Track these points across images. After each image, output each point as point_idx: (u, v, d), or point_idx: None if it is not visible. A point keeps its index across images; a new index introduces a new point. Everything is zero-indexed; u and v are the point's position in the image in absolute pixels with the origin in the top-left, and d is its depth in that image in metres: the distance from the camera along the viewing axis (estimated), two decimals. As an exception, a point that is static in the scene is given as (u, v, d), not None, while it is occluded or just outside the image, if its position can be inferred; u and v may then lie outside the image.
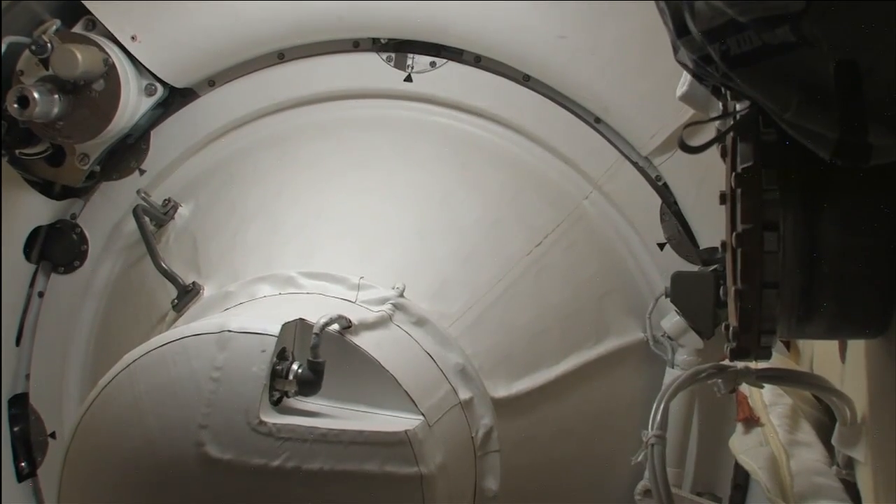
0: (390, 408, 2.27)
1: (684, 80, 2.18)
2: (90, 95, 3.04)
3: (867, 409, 2.02)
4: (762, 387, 2.38)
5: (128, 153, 3.27)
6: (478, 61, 3.14)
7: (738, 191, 1.62)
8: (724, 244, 1.88)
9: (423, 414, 2.26)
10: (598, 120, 3.08)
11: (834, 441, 2.24)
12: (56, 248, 3.30)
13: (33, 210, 3.27)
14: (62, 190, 3.29)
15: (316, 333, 2.20)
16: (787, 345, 2.82)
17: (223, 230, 3.03)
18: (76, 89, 3.02)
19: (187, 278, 2.96)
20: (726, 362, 2.05)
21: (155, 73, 3.16)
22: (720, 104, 1.85)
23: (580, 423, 2.95)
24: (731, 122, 1.68)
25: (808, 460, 2.39)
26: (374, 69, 3.16)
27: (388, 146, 3.09)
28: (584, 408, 2.94)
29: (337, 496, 2.14)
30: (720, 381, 2.11)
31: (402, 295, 2.65)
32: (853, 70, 1.32)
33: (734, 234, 1.64)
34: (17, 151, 3.12)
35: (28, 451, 3.35)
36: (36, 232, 3.28)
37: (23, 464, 3.34)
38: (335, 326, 2.27)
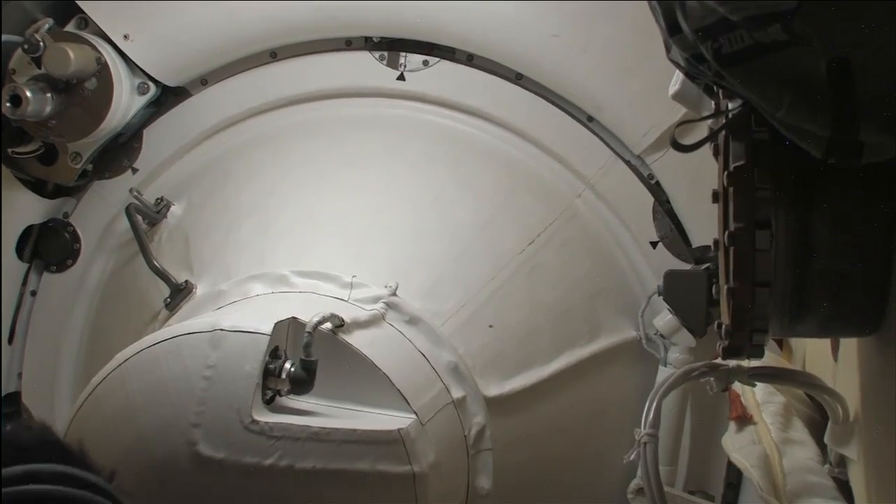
0: (383, 406, 2.27)
1: (676, 79, 2.17)
2: (82, 94, 3.03)
3: (859, 407, 2.02)
4: (754, 385, 2.39)
5: (120, 152, 3.25)
6: (470, 60, 3.13)
7: (731, 189, 1.62)
8: (716, 242, 1.87)
9: (415, 412, 2.26)
10: (590, 118, 3.08)
11: (826, 439, 2.24)
12: (48, 247, 3.29)
13: (26, 209, 3.25)
14: (54, 189, 3.27)
15: (308, 332, 2.20)
16: (780, 343, 2.82)
17: (216, 229, 3.02)
18: (68, 88, 3.01)
19: (180, 277, 2.95)
20: (719, 360, 2.04)
21: (147, 71, 3.15)
22: (712, 103, 1.84)
23: (572, 422, 2.95)
24: (724, 121, 1.68)
25: (800, 458, 2.38)
26: (366, 68, 3.15)
27: (381, 145, 3.08)
28: (576, 406, 2.94)
29: (329, 495, 2.14)
30: (712, 379, 2.11)
31: (394, 293, 2.64)
32: (845, 68, 1.32)
33: (726, 232, 1.64)
34: (9, 150, 3.10)
35: (20, 449, 3.34)
36: (28, 231, 3.27)
37: (15, 463, 3.33)
38: (328, 325, 2.28)
